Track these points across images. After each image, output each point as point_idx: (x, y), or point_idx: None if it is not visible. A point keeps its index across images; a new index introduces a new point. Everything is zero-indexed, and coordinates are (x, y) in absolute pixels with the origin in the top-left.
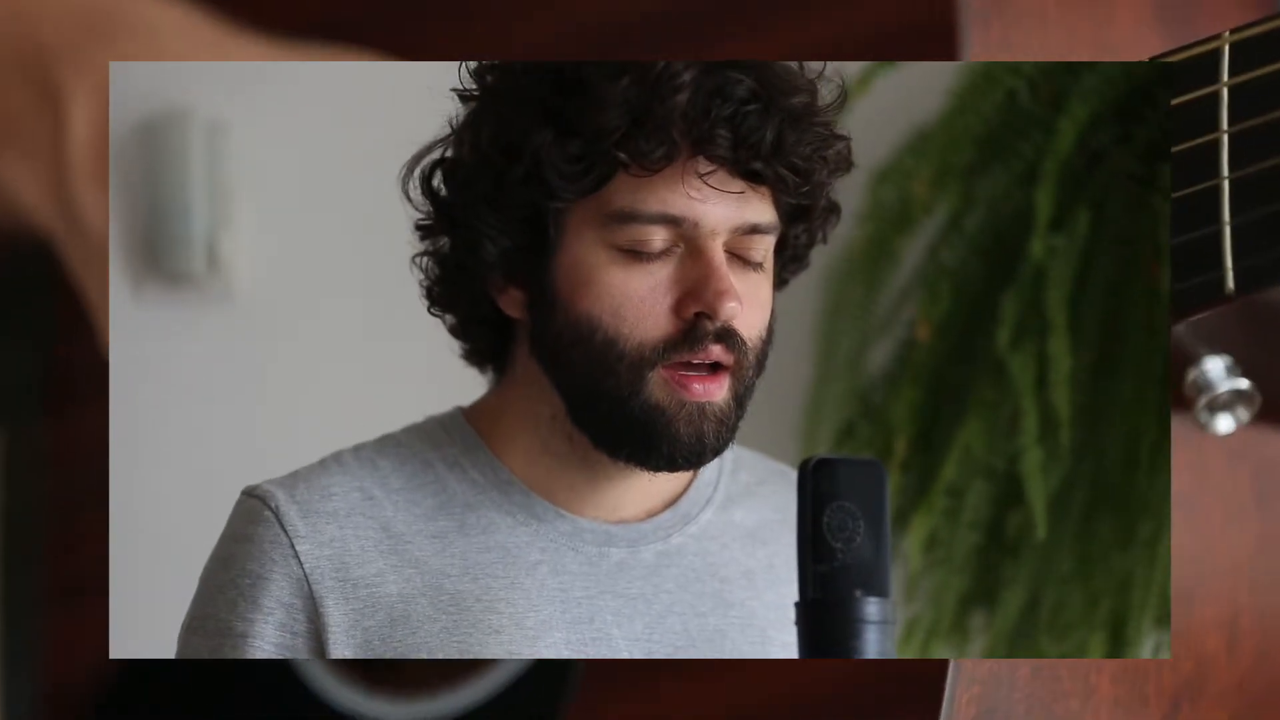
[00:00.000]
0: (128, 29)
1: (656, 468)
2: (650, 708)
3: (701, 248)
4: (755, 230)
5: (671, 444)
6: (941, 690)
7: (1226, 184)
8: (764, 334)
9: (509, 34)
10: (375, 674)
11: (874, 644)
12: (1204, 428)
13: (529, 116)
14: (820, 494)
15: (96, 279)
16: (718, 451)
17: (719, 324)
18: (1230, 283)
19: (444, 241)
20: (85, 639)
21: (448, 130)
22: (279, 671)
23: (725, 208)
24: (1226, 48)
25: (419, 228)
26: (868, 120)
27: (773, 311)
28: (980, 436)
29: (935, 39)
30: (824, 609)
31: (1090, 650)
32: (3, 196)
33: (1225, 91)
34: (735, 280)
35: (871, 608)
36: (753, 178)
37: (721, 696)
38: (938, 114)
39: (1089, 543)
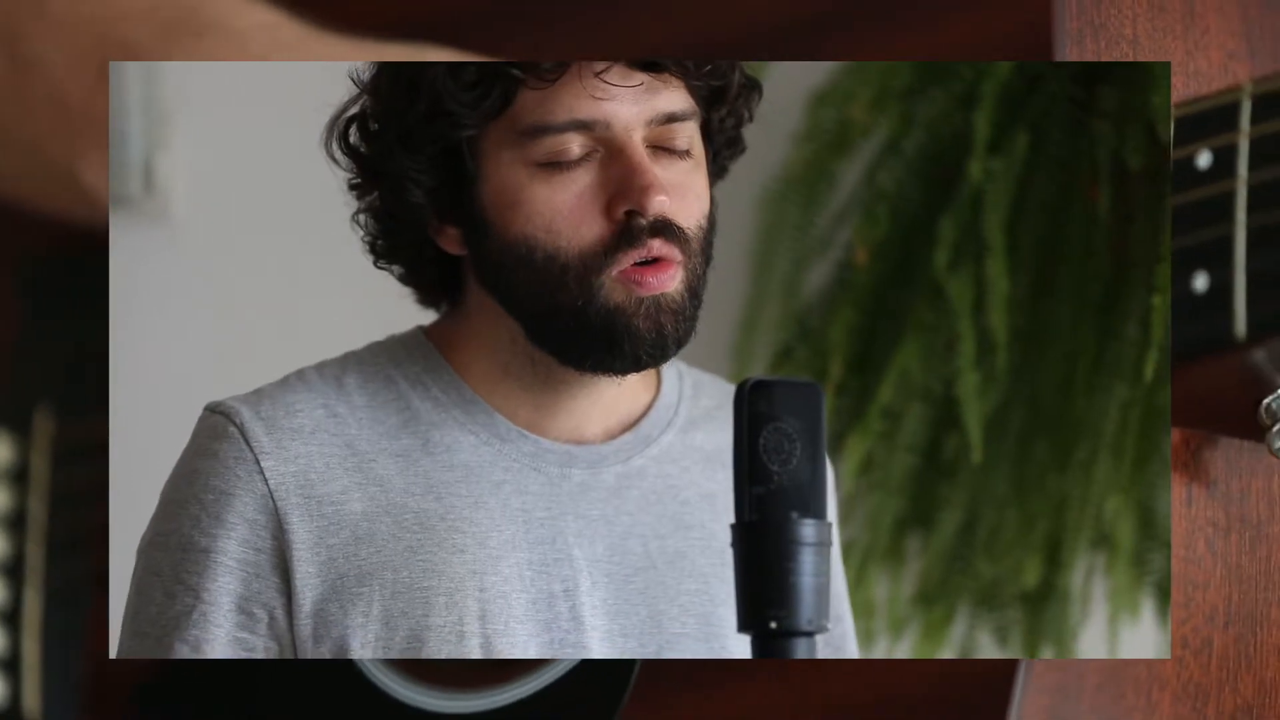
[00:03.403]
0: (210, 28)
1: (624, 370)
2: (706, 708)
3: (620, 147)
4: (672, 119)
5: (634, 341)
6: (1009, 693)
7: (1243, 230)
8: (703, 222)
9: (635, 35)
10: (421, 669)
11: (809, 566)
12: (1277, 454)
13: None
14: (757, 415)
15: None
16: (680, 344)
17: (651, 218)
18: (1241, 328)
19: (374, 195)
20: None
21: (355, 89)
22: (328, 665)
23: (634, 103)
24: (1247, 99)
25: (351, 187)
26: None
27: (712, 199)
28: (917, 359)
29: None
30: (760, 531)
31: (1025, 573)
32: (91, 197)
33: (1245, 141)
34: (663, 171)
35: (807, 530)
36: (651, 68)
37: (784, 696)
38: None
39: (1025, 465)
